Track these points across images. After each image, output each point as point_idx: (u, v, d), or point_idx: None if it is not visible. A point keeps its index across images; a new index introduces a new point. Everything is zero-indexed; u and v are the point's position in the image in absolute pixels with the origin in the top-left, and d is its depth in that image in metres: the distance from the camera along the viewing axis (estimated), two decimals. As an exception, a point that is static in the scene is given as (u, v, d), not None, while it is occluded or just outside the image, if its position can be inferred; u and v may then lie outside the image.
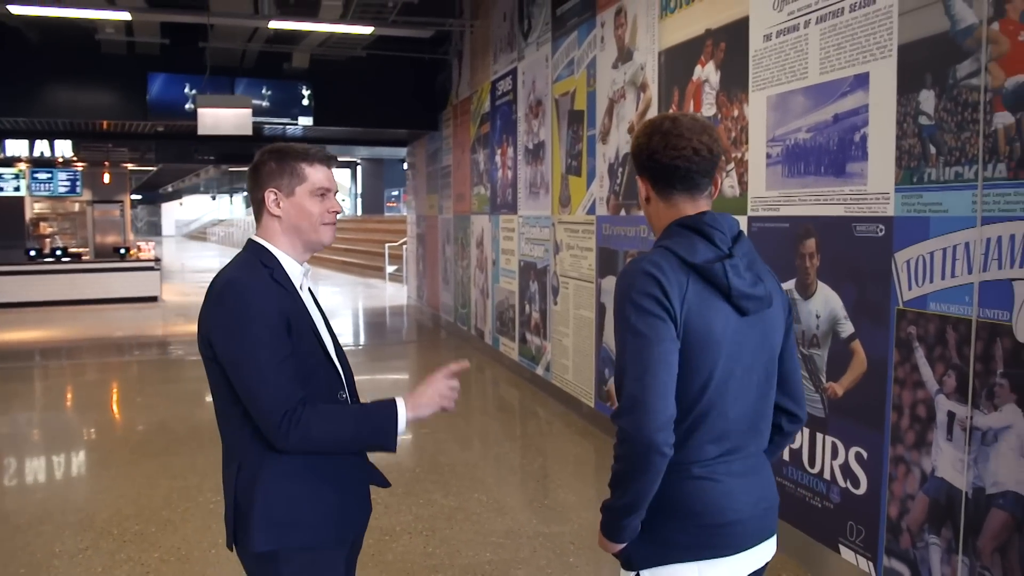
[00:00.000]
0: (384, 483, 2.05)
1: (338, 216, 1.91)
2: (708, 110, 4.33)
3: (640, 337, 1.49)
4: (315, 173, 1.85)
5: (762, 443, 1.69)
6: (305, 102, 10.96)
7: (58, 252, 15.18)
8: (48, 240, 17.48)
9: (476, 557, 3.81)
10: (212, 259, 30.64)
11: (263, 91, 10.76)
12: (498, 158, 8.44)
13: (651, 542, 1.58)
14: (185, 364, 8.93)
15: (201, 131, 9.19)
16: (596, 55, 5.82)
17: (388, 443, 1.74)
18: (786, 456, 3.73)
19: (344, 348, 1.96)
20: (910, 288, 2.97)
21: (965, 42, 2.72)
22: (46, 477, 5.21)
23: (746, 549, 1.59)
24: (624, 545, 1.61)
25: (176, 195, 50.65)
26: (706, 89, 4.35)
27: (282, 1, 8.67)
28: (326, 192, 1.86)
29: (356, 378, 1.97)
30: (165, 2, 8.29)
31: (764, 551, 1.65)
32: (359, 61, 11.03)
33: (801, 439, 3.63)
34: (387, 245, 18.85)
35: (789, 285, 3.66)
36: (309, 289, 1.94)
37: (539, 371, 7.27)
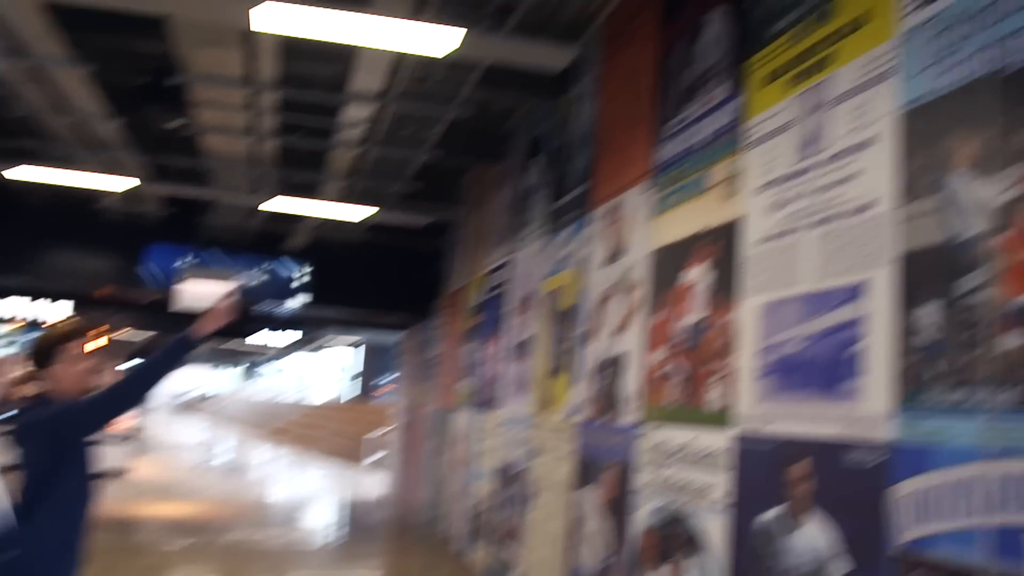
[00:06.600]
0: None
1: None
2: (695, 315, 4.07)
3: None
4: None
5: None
6: (303, 280, 10.91)
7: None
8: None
9: None
10: (197, 434, 29.93)
11: (262, 267, 10.75)
12: (485, 352, 8.17)
13: None
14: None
15: (172, 308, 9.08)
16: (588, 252, 5.67)
17: None
18: None
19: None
20: (908, 528, 2.53)
21: (969, 255, 2.46)
22: None
23: None
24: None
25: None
26: (695, 292, 4.12)
27: (284, 183, 8.82)
28: None
29: None
30: (168, 175, 8.42)
31: None
32: (359, 244, 11.14)
33: None
34: (370, 434, 18.31)
35: (777, 513, 3.21)
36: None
37: (505, 587, 6.58)
